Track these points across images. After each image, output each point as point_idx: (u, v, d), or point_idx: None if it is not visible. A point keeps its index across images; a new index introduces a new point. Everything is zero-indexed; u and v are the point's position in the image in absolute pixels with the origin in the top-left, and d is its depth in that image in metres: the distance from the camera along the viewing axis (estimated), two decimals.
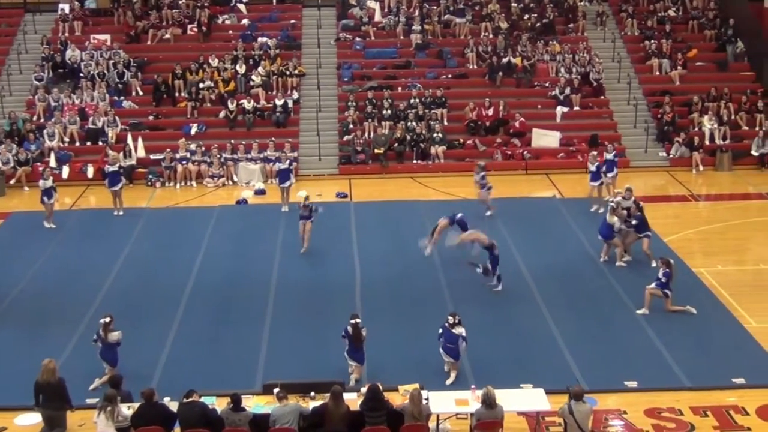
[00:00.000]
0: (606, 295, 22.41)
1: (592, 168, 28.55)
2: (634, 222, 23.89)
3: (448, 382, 18.00)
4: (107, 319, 18.28)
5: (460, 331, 18.07)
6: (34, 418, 16.78)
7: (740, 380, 18.20)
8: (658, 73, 37.90)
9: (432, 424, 15.95)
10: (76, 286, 23.14)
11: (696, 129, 34.99)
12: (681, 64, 37.56)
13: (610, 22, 40.44)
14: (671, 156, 34.11)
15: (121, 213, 28.72)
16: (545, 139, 34.59)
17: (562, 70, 37.30)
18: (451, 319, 18.18)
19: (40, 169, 29.82)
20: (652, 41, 38.54)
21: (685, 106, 36.02)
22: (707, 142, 34.38)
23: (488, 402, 15.18)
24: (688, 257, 24.54)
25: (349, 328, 17.95)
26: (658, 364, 18.93)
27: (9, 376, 18.31)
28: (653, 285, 21.29)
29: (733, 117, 35.36)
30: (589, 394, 16.15)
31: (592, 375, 18.27)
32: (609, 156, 29.11)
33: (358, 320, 18.07)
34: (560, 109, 35.84)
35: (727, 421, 16.89)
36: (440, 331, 18.33)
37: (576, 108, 36.15)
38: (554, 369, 18.60)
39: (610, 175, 28.82)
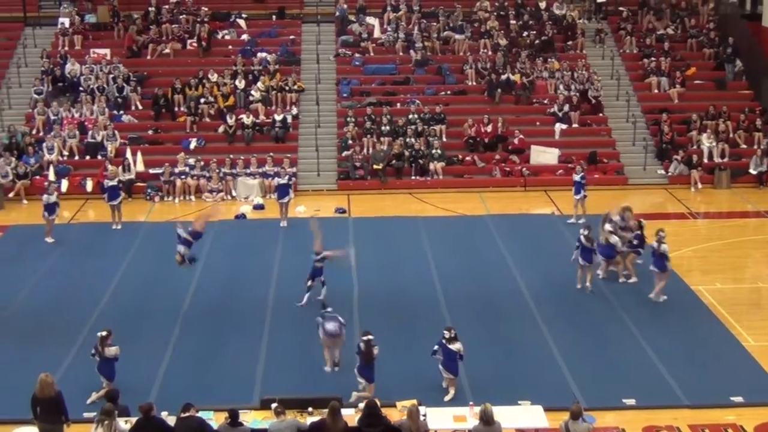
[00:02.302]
0: (604, 312, 22.39)
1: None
2: (635, 242, 23.93)
3: (447, 398, 17.97)
4: (104, 333, 18.28)
5: (458, 347, 18.07)
6: (32, 431, 16.75)
7: (738, 399, 18.18)
8: (656, 91, 37.97)
9: None
10: (74, 300, 23.10)
11: (694, 147, 35.03)
12: (680, 83, 37.63)
13: (609, 39, 40.53)
14: (670, 174, 34.13)
15: (119, 227, 28.72)
16: (544, 156, 34.61)
17: (561, 87, 37.36)
18: (447, 334, 18.16)
19: (45, 183, 29.84)
20: (651, 59, 38.61)
21: (683, 124, 36.08)
22: (706, 160, 34.42)
23: (486, 419, 15.11)
24: (686, 275, 24.55)
25: (362, 345, 17.90)
26: (657, 381, 18.91)
27: (7, 390, 18.26)
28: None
29: (731, 135, 35.40)
30: (587, 412, 16.12)
31: (590, 392, 18.25)
32: (576, 178, 28.96)
33: (370, 336, 17.96)
34: (559, 126, 35.88)
35: None
36: (435, 347, 18.30)
37: (575, 125, 36.19)
38: (552, 386, 18.57)
39: (577, 197, 28.82)
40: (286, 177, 29.51)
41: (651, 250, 22.93)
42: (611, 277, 24.15)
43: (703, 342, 20.86)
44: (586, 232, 23.64)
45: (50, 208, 27.44)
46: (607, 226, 24.04)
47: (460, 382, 18.43)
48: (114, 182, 29.03)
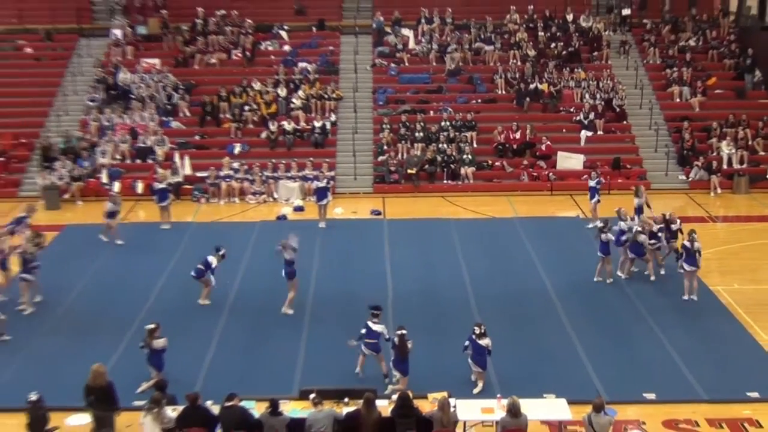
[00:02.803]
0: (626, 310, 22.35)
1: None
2: (659, 234, 24.14)
3: (476, 391, 18.00)
4: (152, 326, 18.44)
5: (486, 342, 18.11)
6: (85, 418, 16.95)
7: (755, 394, 18.12)
8: (678, 99, 37.77)
9: (459, 431, 15.98)
10: (125, 295, 23.29)
11: (714, 153, 34.83)
12: (701, 92, 37.43)
13: (633, 51, 40.34)
14: (690, 179, 33.98)
15: (168, 227, 28.94)
16: (570, 161, 34.54)
17: (587, 96, 37.25)
18: (477, 330, 18.19)
19: (111, 193, 30.13)
20: (674, 69, 38.42)
21: (704, 131, 35.87)
22: (725, 166, 34.25)
23: (513, 411, 15.17)
24: (705, 276, 24.38)
25: (396, 339, 17.95)
26: (676, 377, 18.88)
27: (61, 379, 18.48)
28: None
29: (750, 142, 35.15)
30: (609, 405, 16.13)
31: (612, 386, 18.25)
32: (592, 183, 28.79)
33: (404, 331, 18.00)
34: (584, 133, 35.79)
35: None
36: (466, 342, 18.36)
37: (599, 132, 36.07)
38: (576, 380, 18.58)
39: (592, 201, 28.66)
40: (325, 181, 29.61)
41: (684, 250, 22.80)
42: (634, 277, 24.09)
43: (721, 340, 20.78)
44: (600, 225, 23.93)
45: (112, 214, 27.57)
46: (624, 225, 24.07)
47: (489, 376, 18.45)
48: (163, 185, 29.26)
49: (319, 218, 29.17)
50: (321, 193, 29.21)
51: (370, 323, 18.64)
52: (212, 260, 22.66)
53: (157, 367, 18.31)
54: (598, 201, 28.62)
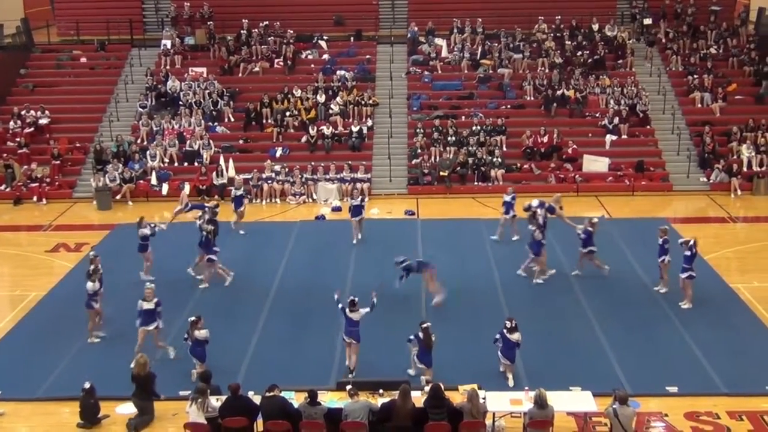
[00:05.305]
0: (649, 306, 22.11)
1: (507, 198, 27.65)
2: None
3: (510, 384, 17.85)
4: (194, 319, 18.51)
5: (516, 337, 17.96)
6: (133, 407, 17.01)
7: None
8: (700, 105, 37.35)
9: (488, 422, 15.87)
10: (172, 290, 23.25)
11: (734, 157, 34.43)
12: (721, 98, 36.99)
13: (656, 58, 39.97)
14: (711, 181, 33.57)
15: (242, 232, 28.49)
16: (595, 164, 34.27)
17: (612, 101, 36.94)
18: (508, 324, 18.07)
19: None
20: (695, 76, 38.00)
21: (724, 135, 35.45)
22: (745, 169, 33.81)
23: (540, 402, 15.09)
24: (726, 274, 24.14)
25: (420, 333, 17.82)
26: (697, 371, 18.66)
27: (110, 370, 18.56)
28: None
29: None
30: (632, 398, 15.96)
31: (636, 380, 18.08)
32: (507, 198, 27.58)
33: (428, 324, 17.92)
34: (609, 138, 35.49)
35: (761, 425, 16.62)
36: (497, 336, 18.24)
37: (624, 136, 35.74)
38: (601, 374, 18.41)
39: (507, 216, 27.38)
40: (359, 199, 28.33)
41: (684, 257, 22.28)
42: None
43: (740, 335, 20.52)
44: (533, 228, 23.95)
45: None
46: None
47: (517, 368, 18.30)
48: (241, 192, 28.81)
49: (357, 232, 27.81)
50: (356, 210, 27.94)
51: (348, 313, 18.47)
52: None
53: (200, 358, 18.32)
54: (514, 216, 27.32)
